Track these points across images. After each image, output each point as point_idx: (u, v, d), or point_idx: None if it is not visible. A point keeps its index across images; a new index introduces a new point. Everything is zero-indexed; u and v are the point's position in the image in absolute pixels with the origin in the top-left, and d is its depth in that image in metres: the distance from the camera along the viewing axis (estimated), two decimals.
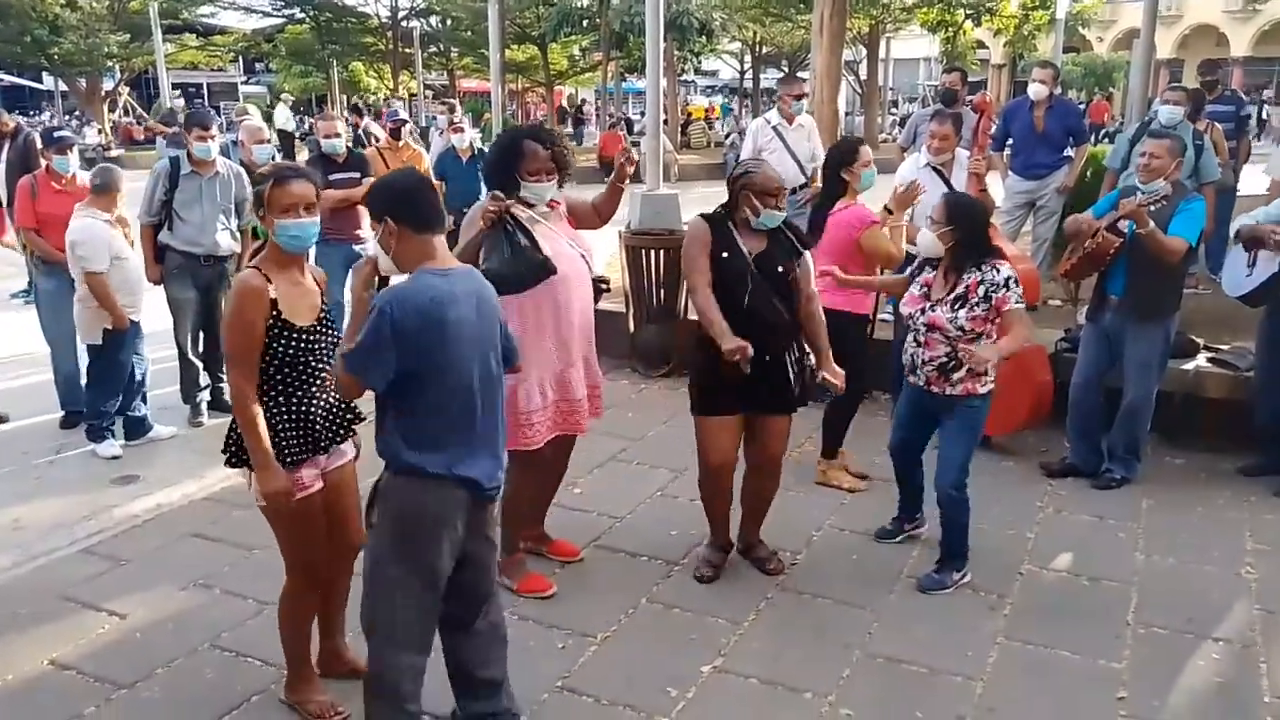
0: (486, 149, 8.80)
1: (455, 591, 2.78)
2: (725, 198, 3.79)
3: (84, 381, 5.70)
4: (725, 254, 3.63)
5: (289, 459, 2.88)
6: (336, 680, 3.22)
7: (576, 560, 4.13)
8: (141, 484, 5.04)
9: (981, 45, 33.44)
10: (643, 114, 19.10)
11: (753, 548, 4.10)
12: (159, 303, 5.73)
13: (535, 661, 3.40)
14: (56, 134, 6.06)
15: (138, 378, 5.54)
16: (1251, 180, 8.24)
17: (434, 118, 22.84)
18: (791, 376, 3.70)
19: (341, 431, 3.02)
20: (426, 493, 2.63)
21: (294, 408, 2.89)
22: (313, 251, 3.22)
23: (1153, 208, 4.45)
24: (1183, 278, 4.88)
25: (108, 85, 29.02)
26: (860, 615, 3.73)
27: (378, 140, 8.64)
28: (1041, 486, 4.86)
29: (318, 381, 2.92)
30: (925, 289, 3.87)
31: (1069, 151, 7.11)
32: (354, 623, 2.93)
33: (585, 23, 23.88)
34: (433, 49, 33.98)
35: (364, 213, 2.67)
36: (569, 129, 29.94)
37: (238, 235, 5.74)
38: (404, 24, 31.78)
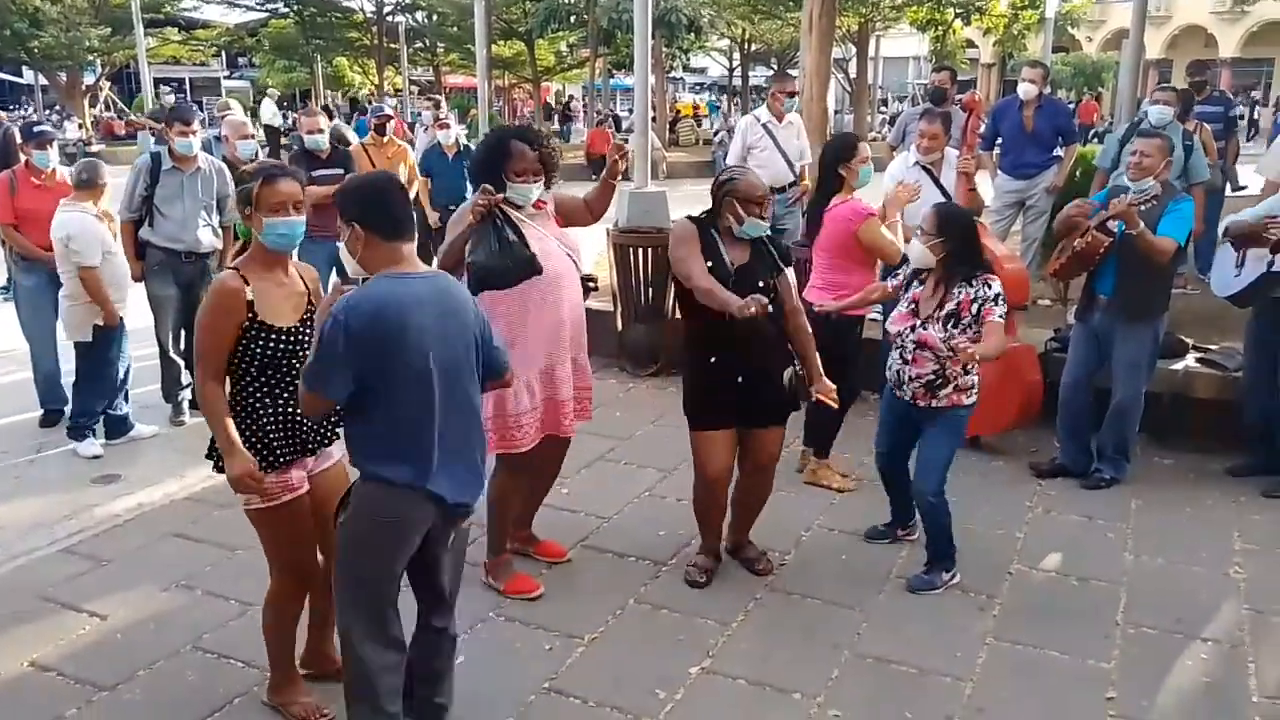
0: (472, 145, 8.79)
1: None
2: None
3: (65, 380, 5.64)
4: (710, 263, 3.57)
5: (278, 460, 2.84)
6: (325, 682, 3.17)
7: (564, 561, 4.10)
8: (123, 483, 4.98)
9: (971, 44, 33.56)
10: (631, 111, 19.08)
11: (742, 548, 4.08)
12: (139, 300, 5.66)
13: (522, 663, 3.38)
14: (36, 129, 6.00)
15: (120, 375, 5.48)
16: (1245, 180, 8.28)
17: (419, 114, 22.74)
18: (784, 387, 3.67)
19: (328, 433, 2.98)
20: (392, 502, 2.59)
21: (279, 408, 2.85)
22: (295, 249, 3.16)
23: (1143, 207, 4.45)
24: (1171, 278, 4.88)
25: (89, 80, 28.81)
26: (849, 616, 3.71)
27: (349, 144, 8.57)
28: (1031, 486, 4.86)
29: None
30: (913, 305, 3.83)
31: (1058, 151, 7.13)
32: None
33: (573, 18, 23.82)
34: (418, 44, 33.87)
35: None
36: (555, 125, 29.88)
37: (219, 231, 5.67)
38: (389, 19, 31.64)
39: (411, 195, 6.87)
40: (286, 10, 31.95)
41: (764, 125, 7.05)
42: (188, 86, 40.87)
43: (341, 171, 6.33)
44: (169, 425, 5.76)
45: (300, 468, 2.92)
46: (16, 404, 5.95)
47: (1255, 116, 29.06)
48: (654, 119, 17.98)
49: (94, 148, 21.48)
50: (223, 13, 34.07)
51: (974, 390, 3.79)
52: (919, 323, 3.75)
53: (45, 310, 5.66)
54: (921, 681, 3.31)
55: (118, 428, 5.52)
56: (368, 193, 2.68)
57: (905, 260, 4.13)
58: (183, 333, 5.81)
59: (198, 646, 3.49)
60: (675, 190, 8.29)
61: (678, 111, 31.03)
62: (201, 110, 16.89)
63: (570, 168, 17.32)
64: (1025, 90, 7.08)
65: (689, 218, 3.74)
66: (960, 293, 3.68)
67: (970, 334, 3.66)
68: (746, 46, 31.33)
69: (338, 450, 3.05)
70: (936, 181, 5.23)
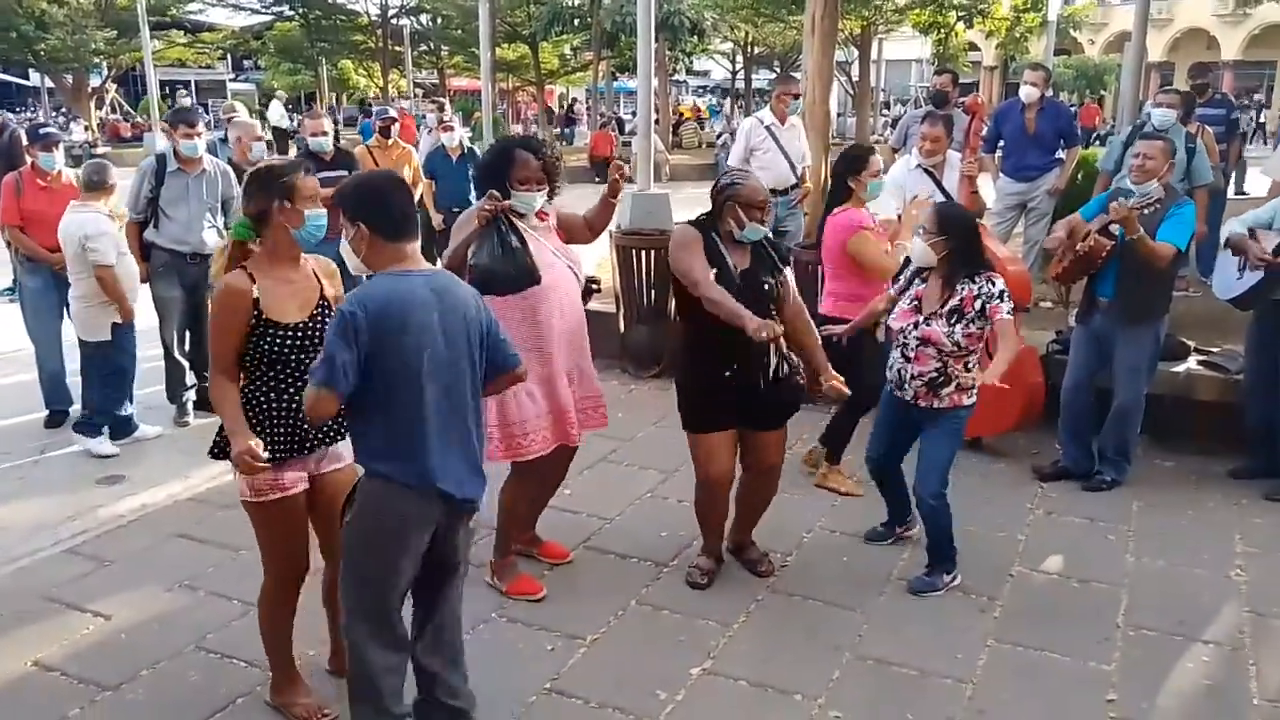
0: (476, 148, 8.81)
1: (420, 590, 2.76)
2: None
3: (70, 381, 5.64)
4: (715, 269, 3.56)
5: (275, 456, 2.84)
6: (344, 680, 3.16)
7: (566, 562, 4.11)
8: (127, 484, 5.00)
9: (973, 47, 33.56)
10: (634, 114, 19.10)
11: (744, 548, 4.08)
12: (144, 301, 5.67)
13: (524, 663, 3.39)
14: (42, 130, 6.01)
15: (134, 372, 5.49)
16: (1254, 184, 8.27)
17: (423, 116, 22.79)
18: (782, 387, 3.67)
19: (331, 433, 2.98)
20: (395, 500, 2.60)
21: (284, 404, 2.86)
22: None
23: (1145, 211, 4.45)
24: (1172, 281, 4.88)
25: (94, 82, 28.89)
26: (850, 617, 3.71)
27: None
28: (1032, 488, 4.86)
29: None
30: (916, 302, 3.83)
31: (1060, 154, 7.13)
32: None
33: (576, 22, 23.90)
34: (423, 47, 33.89)
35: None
36: (555, 128, 29.90)
37: (224, 233, 5.69)
38: (394, 22, 31.70)
39: (415, 198, 6.88)
40: (292, 13, 31.99)
41: (767, 127, 7.06)
42: (193, 89, 40.97)
43: (346, 173, 6.33)
44: (173, 426, 5.77)
45: (298, 468, 2.92)
46: (21, 405, 5.96)
47: (1262, 120, 28.96)
48: (657, 122, 18.00)
49: (99, 150, 21.57)
50: (228, 15, 34.17)
51: (974, 390, 3.80)
52: (922, 319, 3.76)
53: (50, 311, 5.68)
54: (922, 683, 3.31)
55: (122, 428, 5.53)
56: (372, 192, 2.69)
57: (908, 262, 4.13)
58: (187, 334, 5.84)
59: (201, 647, 3.50)
60: (678, 192, 8.29)
61: (681, 114, 31.07)
62: (207, 113, 16.96)
63: (574, 170, 17.35)
64: (1027, 93, 7.09)
65: (690, 222, 3.74)
66: (964, 289, 3.68)
67: (974, 329, 3.66)
68: (749, 49, 31.34)
69: (348, 452, 3.05)
70: (939, 184, 5.23)
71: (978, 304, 3.65)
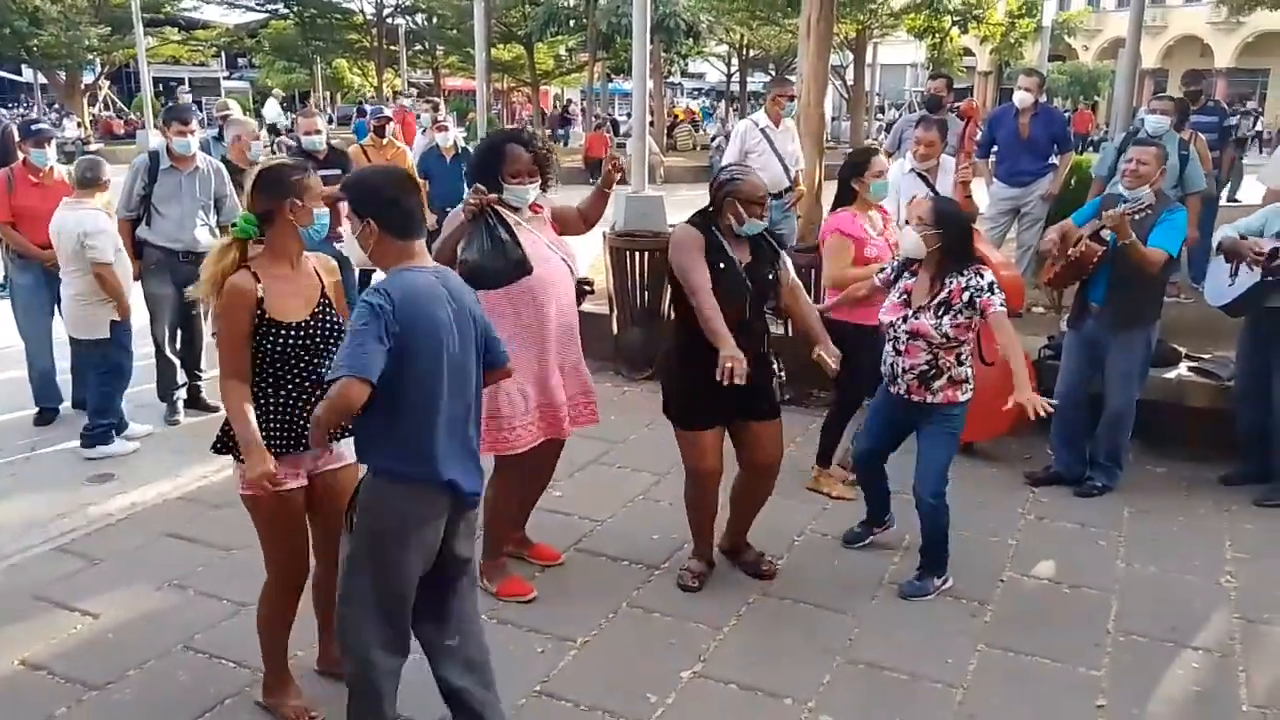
0: (470, 148, 8.79)
1: (431, 591, 2.73)
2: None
3: (61, 379, 5.61)
4: (721, 265, 3.58)
5: (270, 451, 2.83)
6: (335, 681, 3.14)
7: (557, 564, 4.10)
8: (117, 482, 4.97)
9: (968, 52, 33.60)
10: (629, 115, 19.11)
11: (740, 551, 4.07)
12: (135, 299, 5.64)
13: (514, 666, 3.36)
14: (34, 126, 5.99)
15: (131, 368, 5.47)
16: (1248, 193, 8.30)
17: (418, 115, 22.75)
18: (774, 378, 3.70)
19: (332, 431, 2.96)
20: (402, 496, 2.59)
21: (281, 400, 2.85)
22: None
23: (1137, 217, 4.46)
24: (1163, 287, 4.90)
25: (88, 79, 28.78)
26: (841, 621, 3.71)
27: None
28: (1023, 494, 4.87)
29: (313, 376, 2.87)
30: (905, 296, 3.84)
31: (1054, 159, 7.14)
32: None
33: (572, 23, 23.88)
34: (418, 47, 33.90)
35: (344, 209, 2.63)
36: (548, 129, 29.89)
37: (217, 232, 5.67)
38: (389, 21, 31.67)
39: None
40: (286, 11, 31.98)
41: (762, 130, 7.07)
42: (188, 86, 40.86)
43: (339, 172, 6.32)
44: (164, 425, 5.73)
45: (294, 464, 2.90)
46: (11, 402, 5.94)
47: (1259, 128, 29.01)
48: (652, 123, 18.03)
49: (93, 146, 21.46)
50: (222, 13, 34.16)
51: (969, 385, 3.80)
52: (911, 312, 3.78)
53: (41, 308, 5.66)
54: (913, 687, 3.32)
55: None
56: (382, 191, 2.66)
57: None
58: (179, 332, 5.81)
59: (189, 646, 3.48)
60: (672, 194, 8.29)
61: (676, 117, 31.08)
62: (200, 110, 16.88)
63: (568, 171, 17.32)
64: (1021, 98, 7.10)
65: (690, 222, 3.74)
66: (952, 282, 3.70)
67: (962, 319, 3.67)
68: (745, 52, 31.37)
69: (349, 452, 3.03)
70: (932, 188, 5.23)
71: (965, 296, 3.67)
